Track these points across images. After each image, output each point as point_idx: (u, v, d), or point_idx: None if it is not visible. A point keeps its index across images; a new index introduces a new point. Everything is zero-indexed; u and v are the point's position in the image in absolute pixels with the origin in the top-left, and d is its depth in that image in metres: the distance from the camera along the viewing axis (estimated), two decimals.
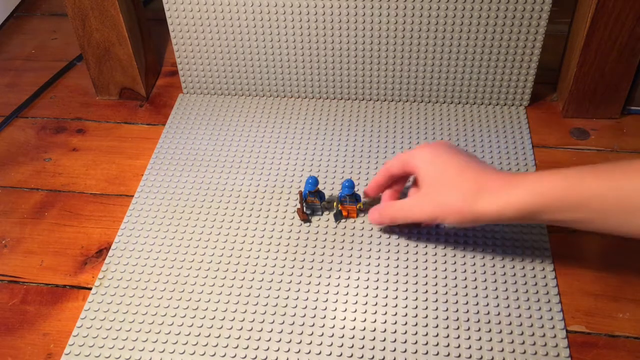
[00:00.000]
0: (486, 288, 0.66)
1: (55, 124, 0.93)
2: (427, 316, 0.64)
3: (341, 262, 0.70)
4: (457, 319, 0.64)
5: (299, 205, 0.75)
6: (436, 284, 0.67)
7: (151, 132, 0.91)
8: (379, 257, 0.70)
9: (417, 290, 0.66)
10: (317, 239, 0.72)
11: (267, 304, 0.66)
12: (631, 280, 0.68)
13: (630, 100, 0.87)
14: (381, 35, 0.86)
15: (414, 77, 0.89)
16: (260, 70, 0.92)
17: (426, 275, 0.68)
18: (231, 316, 0.65)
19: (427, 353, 0.61)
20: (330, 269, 0.69)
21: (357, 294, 0.66)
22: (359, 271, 0.69)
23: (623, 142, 0.84)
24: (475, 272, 0.68)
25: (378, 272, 0.68)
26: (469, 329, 0.63)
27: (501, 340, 0.62)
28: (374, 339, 0.62)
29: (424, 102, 0.91)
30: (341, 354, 0.61)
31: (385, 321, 0.64)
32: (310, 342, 0.62)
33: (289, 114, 0.91)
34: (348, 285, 0.67)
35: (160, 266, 0.70)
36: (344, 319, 0.64)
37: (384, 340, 0.62)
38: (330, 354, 0.61)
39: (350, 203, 0.73)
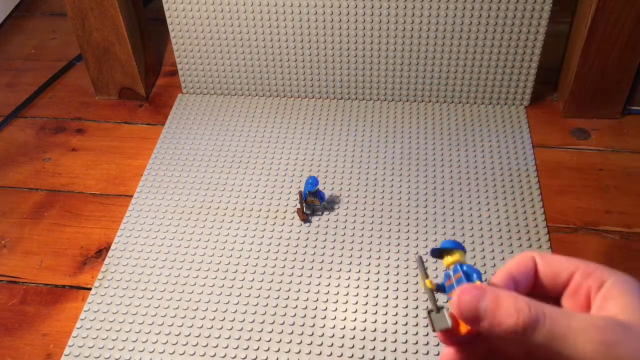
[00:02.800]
0: None
1: (54, 124, 0.93)
2: None
3: (341, 262, 0.70)
4: None
5: (299, 205, 0.75)
6: None
7: (151, 132, 0.90)
8: (379, 257, 0.70)
9: (417, 290, 0.66)
10: (317, 239, 0.72)
11: (267, 304, 0.66)
12: None
13: (631, 100, 0.87)
14: (381, 35, 0.86)
15: (414, 77, 0.89)
16: (260, 70, 0.91)
17: None
18: (231, 316, 0.65)
19: (427, 353, 0.61)
20: (331, 269, 0.69)
21: (357, 294, 0.66)
22: (359, 271, 0.68)
23: (623, 142, 0.84)
24: None
25: (378, 272, 0.68)
26: None
27: None
28: (374, 339, 0.62)
29: (424, 102, 0.91)
30: (341, 354, 0.61)
31: (386, 321, 0.64)
32: (311, 342, 0.62)
33: (289, 114, 0.91)
34: (348, 286, 0.67)
35: (160, 266, 0.70)
36: (344, 319, 0.64)
37: (384, 340, 0.62)
38: (331, 354, 0.61)
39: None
